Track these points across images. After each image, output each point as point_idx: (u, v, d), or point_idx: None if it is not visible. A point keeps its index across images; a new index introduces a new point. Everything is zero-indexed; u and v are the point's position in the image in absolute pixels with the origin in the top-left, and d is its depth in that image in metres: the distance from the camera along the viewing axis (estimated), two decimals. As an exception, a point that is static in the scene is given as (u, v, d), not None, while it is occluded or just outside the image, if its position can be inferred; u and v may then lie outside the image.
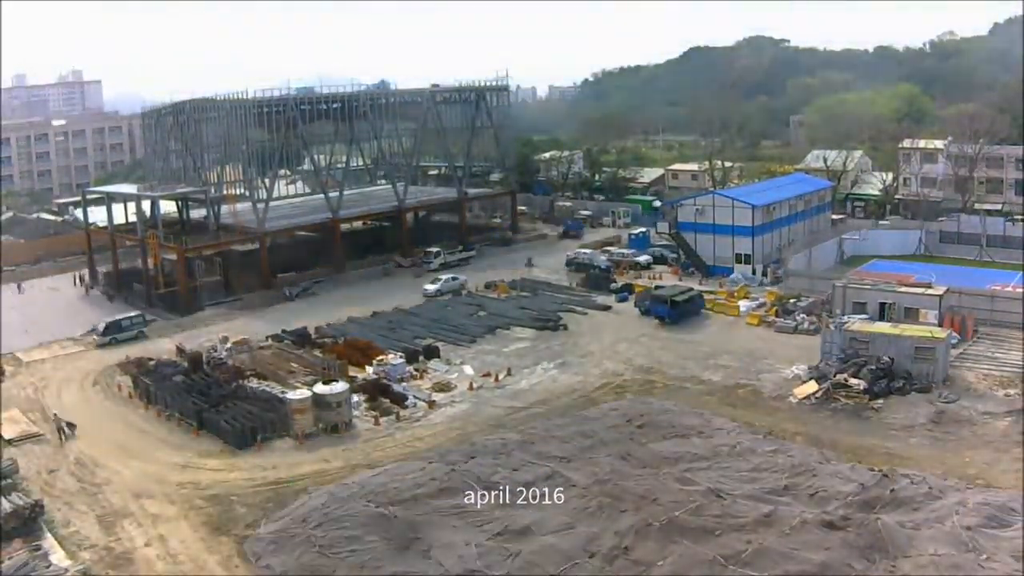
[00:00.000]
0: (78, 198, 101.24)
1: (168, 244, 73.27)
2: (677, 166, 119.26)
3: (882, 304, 55.42)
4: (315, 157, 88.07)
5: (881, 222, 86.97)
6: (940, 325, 52.22)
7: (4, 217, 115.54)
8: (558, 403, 46.70)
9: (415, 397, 48.02)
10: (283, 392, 47.58)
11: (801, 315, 58.71)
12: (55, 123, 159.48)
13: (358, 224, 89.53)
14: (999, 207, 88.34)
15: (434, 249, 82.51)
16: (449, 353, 55.50)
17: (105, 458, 42.15)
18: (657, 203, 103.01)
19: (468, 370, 49.49)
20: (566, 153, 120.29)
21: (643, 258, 78.69)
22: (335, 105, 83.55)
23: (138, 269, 76.46)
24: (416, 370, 52.23)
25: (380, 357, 53.02)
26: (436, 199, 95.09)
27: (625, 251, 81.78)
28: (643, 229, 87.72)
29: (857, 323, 51.13)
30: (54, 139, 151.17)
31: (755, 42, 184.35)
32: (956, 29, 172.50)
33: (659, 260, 79.06)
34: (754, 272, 71.70)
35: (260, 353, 55.99)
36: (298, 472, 39.54)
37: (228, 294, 73.09)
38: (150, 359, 55.82)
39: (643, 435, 40.83)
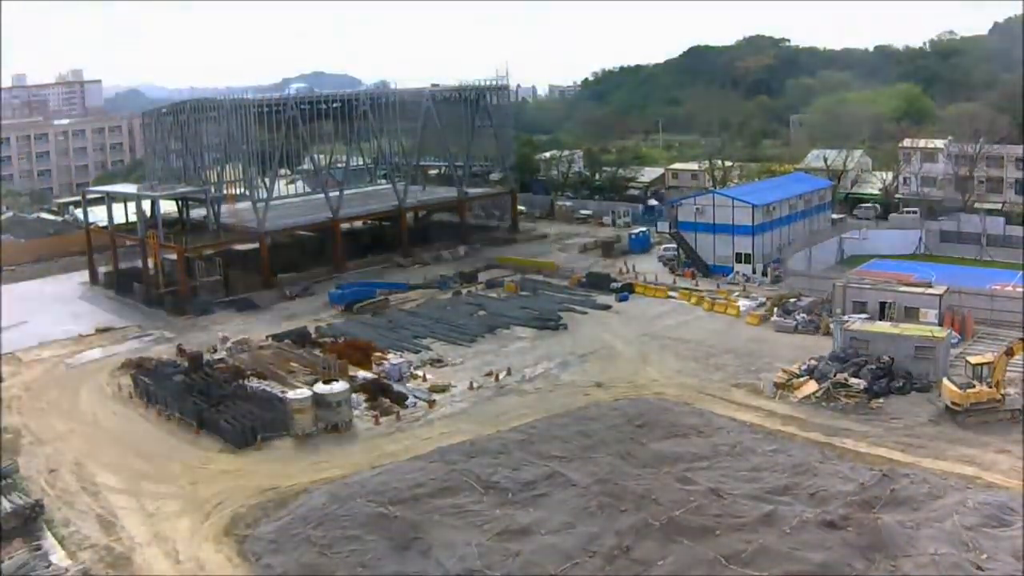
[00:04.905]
0: (78, 198, 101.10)
1: (168, 244, 73.25)
2: (677, 165, 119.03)
3: (882, 303, 55.40)
4: (315, 157, 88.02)
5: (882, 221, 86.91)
6: (940, 324, 52.21)
7: (4, 217, 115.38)
8: (558, 402, 46.63)
9: (415, 397, 48.01)
10: (283, 392, 47.58)
11: (801, 314, 58.68)
12: (55, 123, 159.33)
13: (358, 224, 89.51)
14: (999, 206, 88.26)
15: None
16: (449, 353, 55.55)
17: (105, 458, 42.14)
18: (653, 202, 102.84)
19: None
20: (566, 153, 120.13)
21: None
22: (335, 105, 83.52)
23: (138, 269, 76.47)
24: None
25: (379, 356, 53.07)
26: (436, 199, 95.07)
27: None
28: (643, 229, 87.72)
29: (857, 322, 51.13)
30: (54, 139, 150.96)
31: (755, 42, 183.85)
32: (956, 28, 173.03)
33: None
34: (754, 271, 71.67)
35: (260, 353, 55.97)
36: (298, 472, 39.52)
37: (228, 294, 73.08)
38: (150, 359, 55.83)
39: (643, 435, 40.84)
